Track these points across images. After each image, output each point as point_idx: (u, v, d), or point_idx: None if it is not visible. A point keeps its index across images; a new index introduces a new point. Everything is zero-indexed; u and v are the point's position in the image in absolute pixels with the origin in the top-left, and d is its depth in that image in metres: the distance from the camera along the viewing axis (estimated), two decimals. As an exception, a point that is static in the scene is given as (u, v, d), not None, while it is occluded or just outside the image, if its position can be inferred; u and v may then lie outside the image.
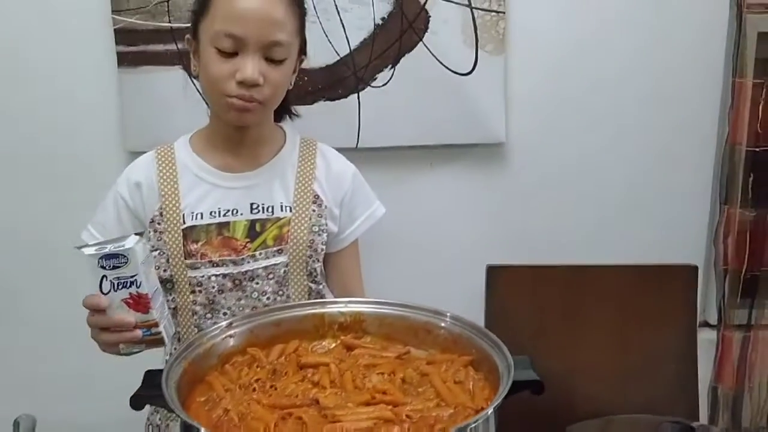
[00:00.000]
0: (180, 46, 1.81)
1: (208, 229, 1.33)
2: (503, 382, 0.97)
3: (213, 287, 1.32)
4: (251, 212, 1.35)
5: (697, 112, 1.92)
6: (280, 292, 1.34)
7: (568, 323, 1.48)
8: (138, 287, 1.09)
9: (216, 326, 1.14)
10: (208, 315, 1.34)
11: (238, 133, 1.35)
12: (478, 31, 1.82)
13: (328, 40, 1.82)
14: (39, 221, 1.95)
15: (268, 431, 0.94)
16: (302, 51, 1.35)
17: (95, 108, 1.89)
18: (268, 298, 1.34)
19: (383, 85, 1.86)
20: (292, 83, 1.36)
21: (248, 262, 1.32)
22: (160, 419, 1.40)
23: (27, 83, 1.88)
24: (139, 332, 1.12)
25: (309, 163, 1.40)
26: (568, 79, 1.90)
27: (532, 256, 1.73)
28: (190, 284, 1.32)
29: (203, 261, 1.32)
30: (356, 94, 1.86)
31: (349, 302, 1.22)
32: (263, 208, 1.35)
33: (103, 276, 1.09)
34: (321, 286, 1.40)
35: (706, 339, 1.96)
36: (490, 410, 0.92)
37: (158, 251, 1.31)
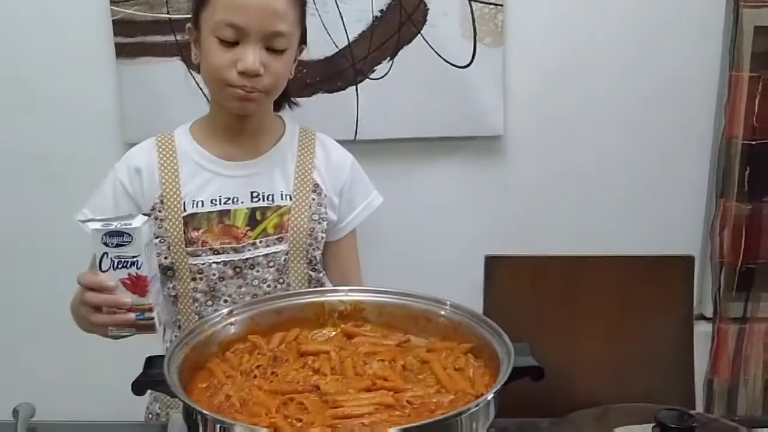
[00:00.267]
0: (179, 37, 1.81)
1: (209, 216, 1.33)
2: (503, 367, 0.97)
3: (214, 275, 1.32)
4: (252, 200, 1.35)
5: (694, 105, 1.93)
6: (281, 280, 1.35)
7: (566, 313, 1.49)
8: (139, 268, 1.08)
9: (217, 314, 1.14)
10: (209, 302, 1.34)
11: (239, 122, 1.35)
12: (476, 24, 1.83)
13: (327, 32, 1.82)
14: (35, 213, 1.95)
15: (270, 416, 0.95)
16: (302, 40, 1.36)
17: (93, 99, 1.89)
18: (268, 286, 1.34)
19: (381, 77, 1.86)
20: (293, 73, 1.36)
21: (249, 250, 1.33)
22: (159, 408, 1.41)
23: (25, 75, 1.88)
24: (132, 315, 1.10)
25: (308, 153, 1.40)
26: (566, 72, 1.90)
27: (529, 248, 1.73)
28: (190, 271, 1.32)
29: (204, 248, 1.32)
30: (354, 87, 1.87)
31: (350, 291, 1.23)
32: (264, 196, 1.36)
33: (105, 253, 1.08)
34: (321, 275, 1.41)
35: (702, 332, 1.97)
36: (491, 395, 0.92)
37: (159, 238, 1.32)
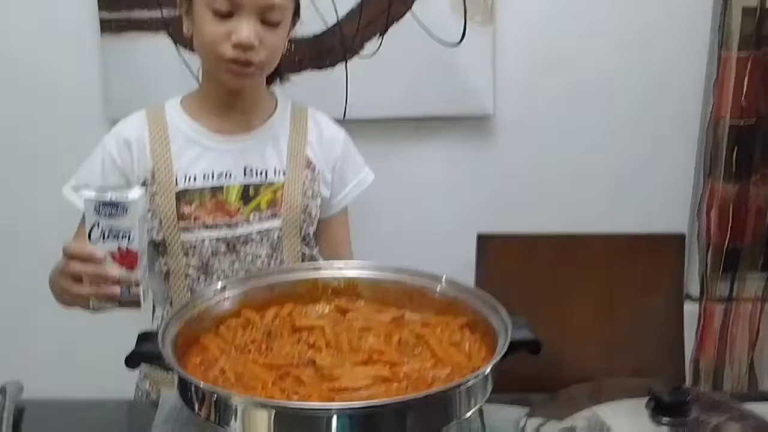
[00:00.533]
0: (165, 12, 1.78)
1: (201, 192, 1.32)
2: (501, 340, 0.97)
3: (207, 250, 1.31)
4: (244, 176, 1.34)
5: (683, 86, 1.94)
6: (274, 256, 1.34)
7: (558, 291, 1.49)
8: (129, 242, 1.05)
9: (210, 289, 1.13)
10: (202, 278, 1.32)
11: (231, 97, 1.33)
12: (466, 2, 1.81)
13: (316, 9, 1.80)
14: (16, 192, 1.92)
15: (266, 390, 0.94)
16: (296, 13, 1.34)
17: (77, 76, 1.86)
18: (262, 262, 1.33)
19: (371, 55, 1.85)
20: (286, 46, 1.34)
21: (242, 226, 1.31)
22: (150, 385, 1.39)
23: (5, 51, 1.85)
24: (117, 289, 1.07)
25: (301, 128, 1.39)
26: (556, 52, 1.90)
27: (518, 227, 1.73)
28: (183, 247, 1.30)
29: (197, 224, 1.30)
30: (344, 65, 1.85)
31: (343, 266, 1.22)
32: (256, 172, 1.34)
33: (96, 223, 1.04)
34: (315, 251, 1.40)
35: (688, 311, 1.95)
36: (489, 368, 0.92)
37: (150, 213, 1.29)
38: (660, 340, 1.48)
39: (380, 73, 1.85)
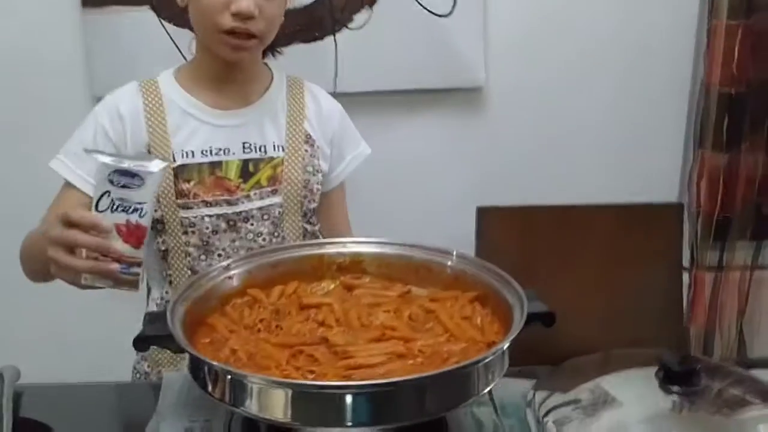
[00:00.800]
0: (149, -16, 1.73)
1: (200, 168, 1.28)
2: (517, 314, 0.96)
3: (207, 228, 1.27)
4: (243, 152, 1.30)
5: (674, 54, 1.94)
6: (276, 233, 1.31)
7: (557, 262, 1.48)
8: (140, 217, 0.98)
9: (214, 267, 1.10)
10: (202, 257, 1.29)
11: (228, 70, 1.29)
12: (457, -29, 1.79)
13: (305, -20, 1.77)
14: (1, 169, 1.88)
15: (280, 368, 0.92)
16: (293, -17, 1.30)
17: (58, 52, 1.82)
18: (263, 240, 1.30)
19: (360, 27, 1.82)
20: (282, 18, 1.31)
21: (243, 203, 1.28)
22: (148, 366, 1.36)
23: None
24: (117, 265, 0.98)
25: (299, 102, 1.36)
26: (547, 22, 1.89)
27: (512, 199, 1.72)
28: (182, 225, 1.27)
29: (196, 201, 1.27)
30: (333, 37, 1.82)
31: (348, 242, 1.20)
32: (255, 147, 1.31)
33: (107, 192, 0.96)
34: (316, 228, 1.38)
35: (679, 280, 1.99)
36: (506, 344, 0.91)
37: None
38: (659, 309, 1.48)
39: (370, 45, 1.83)
